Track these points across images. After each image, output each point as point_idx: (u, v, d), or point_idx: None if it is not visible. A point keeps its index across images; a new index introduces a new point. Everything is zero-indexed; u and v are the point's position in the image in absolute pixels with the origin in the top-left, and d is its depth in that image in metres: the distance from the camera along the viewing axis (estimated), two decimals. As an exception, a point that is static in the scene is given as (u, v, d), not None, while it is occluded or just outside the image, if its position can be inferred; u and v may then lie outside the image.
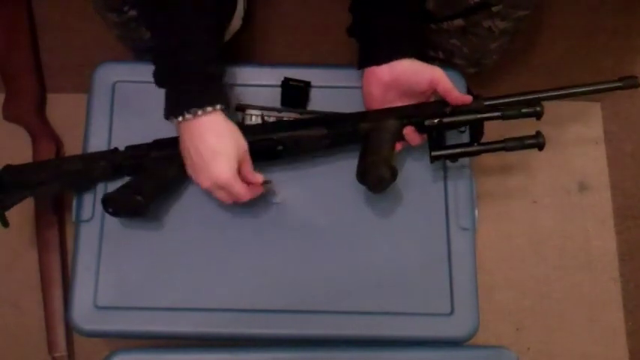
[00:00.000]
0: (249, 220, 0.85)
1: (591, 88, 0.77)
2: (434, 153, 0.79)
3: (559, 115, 1.25)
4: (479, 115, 0.76)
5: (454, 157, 0.79)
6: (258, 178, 0.78)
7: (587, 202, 1.20)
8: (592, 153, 1.22)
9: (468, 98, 0.76)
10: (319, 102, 0.90)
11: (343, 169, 0.85)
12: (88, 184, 0.85)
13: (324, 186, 0.86)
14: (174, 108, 0.74)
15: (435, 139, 0.80)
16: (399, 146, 0.82)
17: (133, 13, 0.87)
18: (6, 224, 0.83)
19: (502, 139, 0.75)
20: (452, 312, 0.82)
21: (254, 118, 0.87)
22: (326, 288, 0.82)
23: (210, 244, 0.84)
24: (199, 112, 0.72)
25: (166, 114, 0.76)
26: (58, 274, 1.11)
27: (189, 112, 0.72)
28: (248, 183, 0.77)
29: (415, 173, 0.87)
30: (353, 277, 0.83)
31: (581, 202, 1.20)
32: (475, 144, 0.78)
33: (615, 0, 1.30)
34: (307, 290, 0.82)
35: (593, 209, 1.19)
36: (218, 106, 0.73)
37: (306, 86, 0.89)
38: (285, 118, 0.87)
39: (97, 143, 0.88)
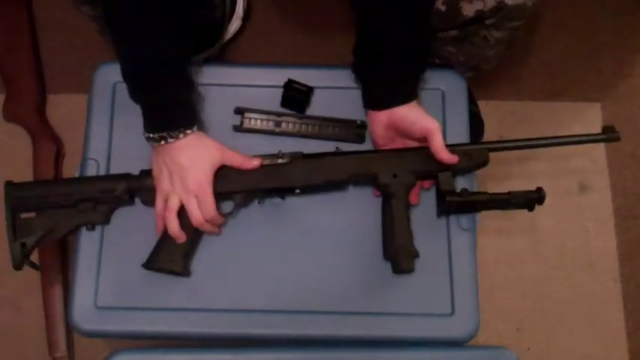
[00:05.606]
0: (249, 221, 0.85)
1: (576, 139, 0.87)
2: (449, 198, 0.80)
3: (559, 115, 1.24)
4: (490, 197, 0.81)
5: (463, 207, 0.82)
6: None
7: (587, 203, 1.20)
8: (592, 153, 1.22)
9: (455, 158, 0.80)
10: (320, 103, 0.90)
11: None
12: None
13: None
14: (153, 127, 0.79)
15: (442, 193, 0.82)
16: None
17: None
18: (37, 267, 0.84)
19: (508, 191, 0.81)
20: (452, 312, 0.82)
21: (252, 121, 0.88)
22: (326, 288, 0.82)
23: (209, 244, 0.84)
24: (180, 136, 0.78)
25: (149, 131, 0.79)
26: (58, 274, 1.11)
27: (170, 137, 0.78)
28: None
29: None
30: (353, 278, 0.83)
31: (582, 202, 1.20)
32: (484, 193, 0.82)
33: (615, 0, 1.31)
34: (307, 290, 0.82)
35: (593, 209, 1.19)
36: (194, 128, 0.79)
37: (308, 91, 0.89)
38: (283, 123, 0.88)
39: (97, 143, 0.88)
